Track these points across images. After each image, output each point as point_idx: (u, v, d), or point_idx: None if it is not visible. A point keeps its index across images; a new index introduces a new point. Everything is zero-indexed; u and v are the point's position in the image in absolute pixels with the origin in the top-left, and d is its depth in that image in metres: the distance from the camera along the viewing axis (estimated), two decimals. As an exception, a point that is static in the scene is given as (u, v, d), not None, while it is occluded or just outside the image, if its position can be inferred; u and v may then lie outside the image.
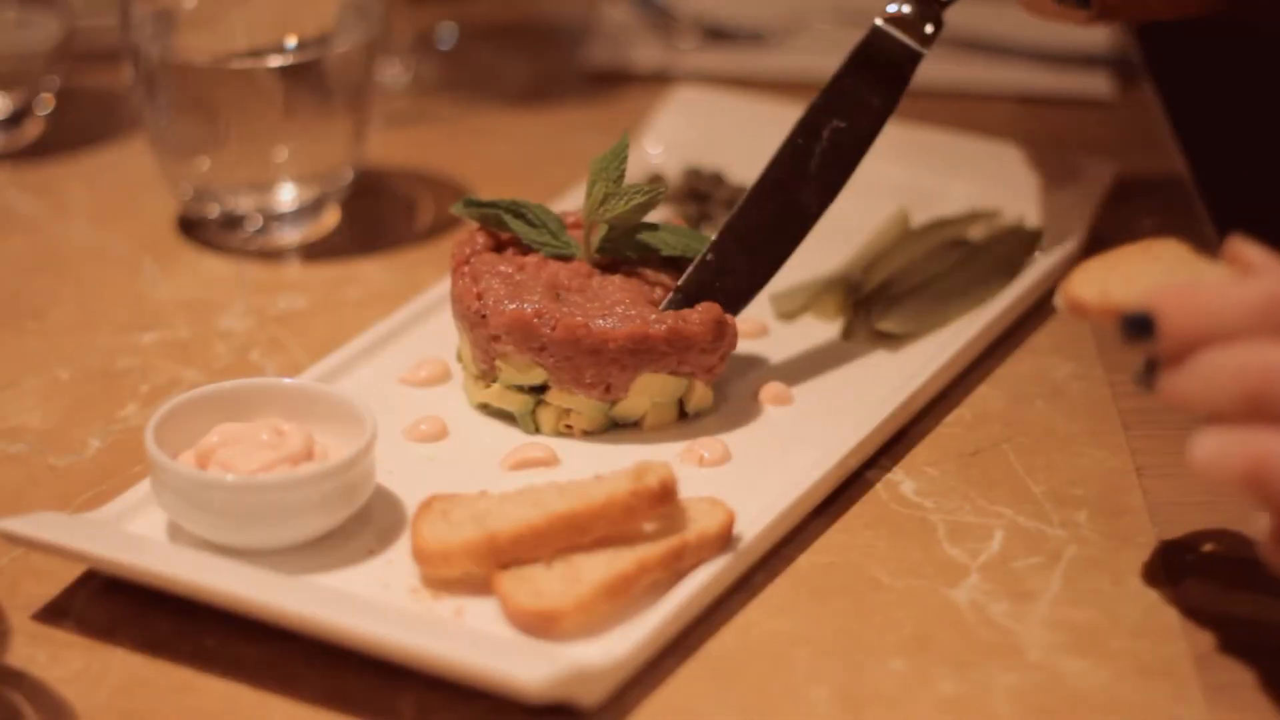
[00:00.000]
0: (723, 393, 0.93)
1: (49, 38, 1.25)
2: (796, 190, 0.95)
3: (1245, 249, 0.74)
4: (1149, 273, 0.76)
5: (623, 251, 0.93)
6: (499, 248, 0.94)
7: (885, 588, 0.80)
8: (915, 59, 0.97)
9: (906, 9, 0.97)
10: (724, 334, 0.90)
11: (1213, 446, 0.69)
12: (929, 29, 0.97)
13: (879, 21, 0.97)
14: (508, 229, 0.93)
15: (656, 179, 1.16)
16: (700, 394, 0.91)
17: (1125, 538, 0.83)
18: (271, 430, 0.82)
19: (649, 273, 0.93)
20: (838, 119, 0.96)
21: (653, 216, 0.94)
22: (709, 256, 0.92)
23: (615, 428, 0.90)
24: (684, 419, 0.91)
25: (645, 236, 0.93)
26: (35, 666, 0.75)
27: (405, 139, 1.30)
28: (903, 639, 0.77)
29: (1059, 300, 0.77)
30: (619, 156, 0.92)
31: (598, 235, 0.93)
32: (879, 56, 0.96)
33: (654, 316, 0.88)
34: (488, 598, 0.77)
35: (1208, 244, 1.13)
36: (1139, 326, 0.71)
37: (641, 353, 0.88)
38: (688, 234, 0.94)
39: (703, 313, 0.89)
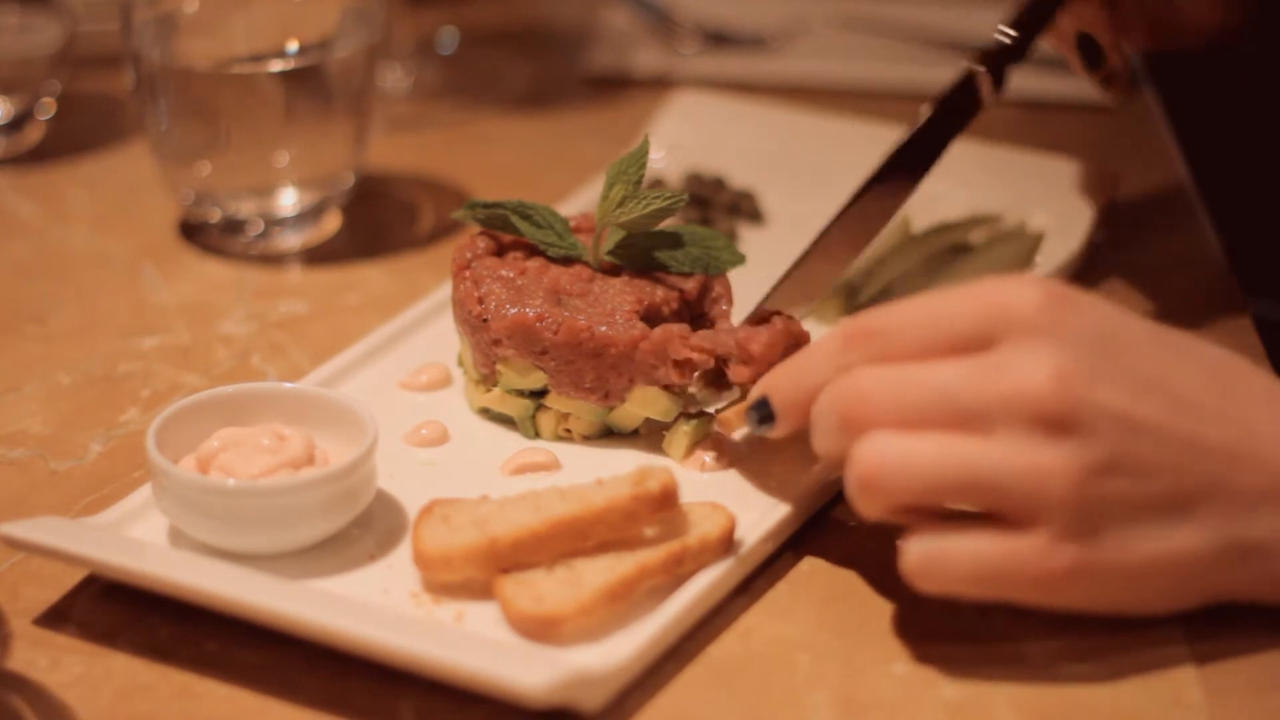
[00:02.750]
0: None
1: (50, 42, 1.25)
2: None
3: (845, 323, 0.81)
4: None
5: (633, 262, 0.92)
6: (500, 252, 0.94)
7: (887, 592, 0.80)
8: (975, 111, 0.97)
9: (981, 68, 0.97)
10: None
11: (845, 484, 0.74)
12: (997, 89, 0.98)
13: (970, 66, 0.97)
14: (513, 230, 0.93)
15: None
16: None
17: (1126, 542, 0.83)
18: (272, 435, 0.82)
19: (651, 277, 0.93)
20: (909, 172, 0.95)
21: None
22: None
23: (612, 434, 0.90)
24: None
25: (658, 251, 0.92)
26: (36, 671, 0.75)
27: (406, 144, 1.30)
28: (904, 644, 0.77)
29: (719, 427, 0.88)
30: (640, 160, 0.91)
31: (609, 239, 0.92)
32: (959, 103, 0.96)
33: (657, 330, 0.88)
34: (489, 602, 0.77)
35: (1207, 247, 1.13)
36: (759, 408, 0.80)
37: (637, 361, 0.88)
38: (705, 245, 0.93)
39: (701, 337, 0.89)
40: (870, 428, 0.73)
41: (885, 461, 0.72)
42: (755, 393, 0.81)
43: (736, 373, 0.85)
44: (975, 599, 0.74)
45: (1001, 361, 0.71)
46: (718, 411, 0.87)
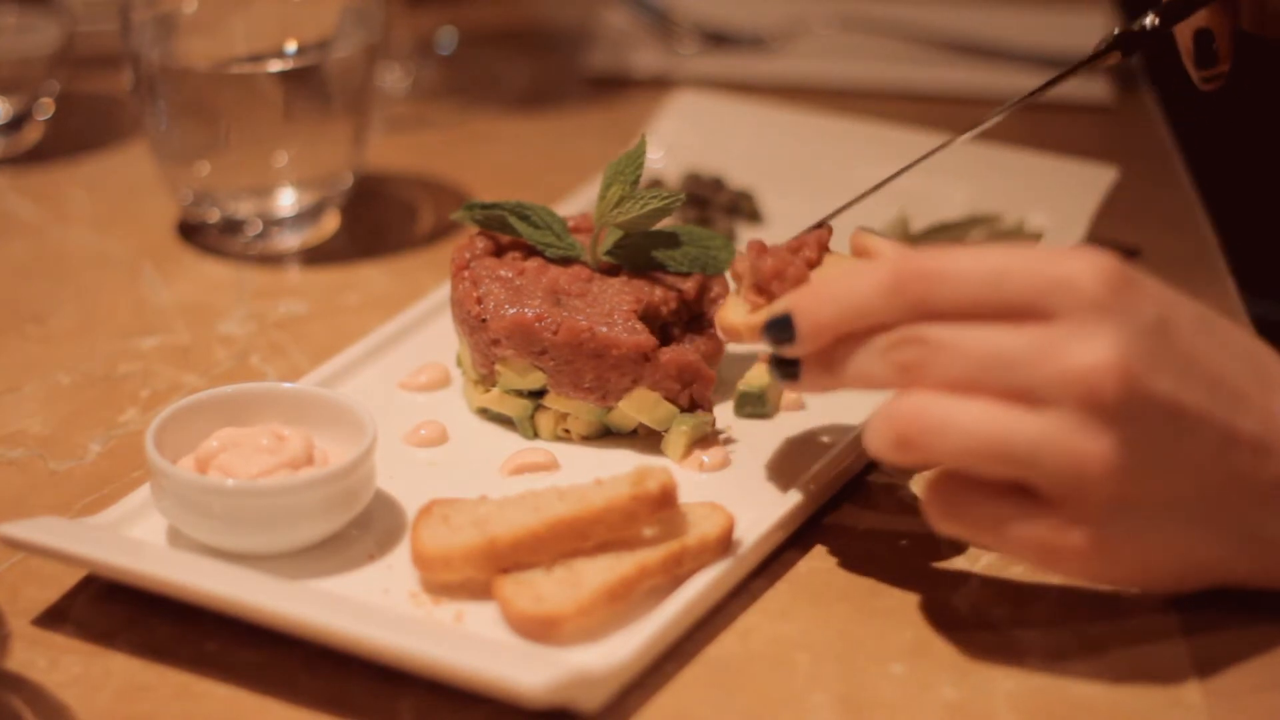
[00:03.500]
0: (722, 396, 0.93)
1: (49, 43, 1.25)
2: None
3: (868, 240, 0.80)
4: None
5: (631, 261, 0.92)
6: (499, 252, 0.94)
7: (886, 593, 0.80)
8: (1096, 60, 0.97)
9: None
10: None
11: (870, 430, 0.73)
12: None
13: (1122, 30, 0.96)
14: (511, 231, 0.93)
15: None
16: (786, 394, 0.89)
17: (1126, 542, 0.83)
18: (272, 435, 0.82)
19: (649, 276, 0.93)
20: None
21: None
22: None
23: (611, 434, 0.90)
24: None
25: (656, 251, 0.92)
26: (35, 671, 0.75)
27: (405, 144, 1.30)
28: (903, 644, 0.77)
29: (719, 331, 0.83)
30: (636, 160, 0.91)
31: (607, 239, 0.92)
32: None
33: (670, 350, 0.88)
34: (488, 602, 0.77)
35: (1207, 247, 1.13)
36: (779, 327, 0.76)
37: (643, 366, 0.88)
38: (703, 245, 0.93)
39: (700, 345, 0.89)
40: (924, 384, 0.72)
41: (927, 421, 0.71)
42: (778, 307, 0.77)
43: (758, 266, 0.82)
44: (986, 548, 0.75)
45: (1061, 339, 0.71)
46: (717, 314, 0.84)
